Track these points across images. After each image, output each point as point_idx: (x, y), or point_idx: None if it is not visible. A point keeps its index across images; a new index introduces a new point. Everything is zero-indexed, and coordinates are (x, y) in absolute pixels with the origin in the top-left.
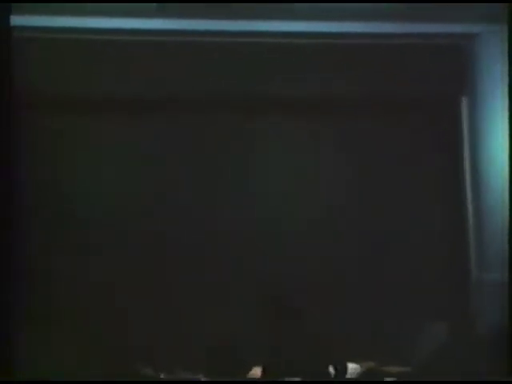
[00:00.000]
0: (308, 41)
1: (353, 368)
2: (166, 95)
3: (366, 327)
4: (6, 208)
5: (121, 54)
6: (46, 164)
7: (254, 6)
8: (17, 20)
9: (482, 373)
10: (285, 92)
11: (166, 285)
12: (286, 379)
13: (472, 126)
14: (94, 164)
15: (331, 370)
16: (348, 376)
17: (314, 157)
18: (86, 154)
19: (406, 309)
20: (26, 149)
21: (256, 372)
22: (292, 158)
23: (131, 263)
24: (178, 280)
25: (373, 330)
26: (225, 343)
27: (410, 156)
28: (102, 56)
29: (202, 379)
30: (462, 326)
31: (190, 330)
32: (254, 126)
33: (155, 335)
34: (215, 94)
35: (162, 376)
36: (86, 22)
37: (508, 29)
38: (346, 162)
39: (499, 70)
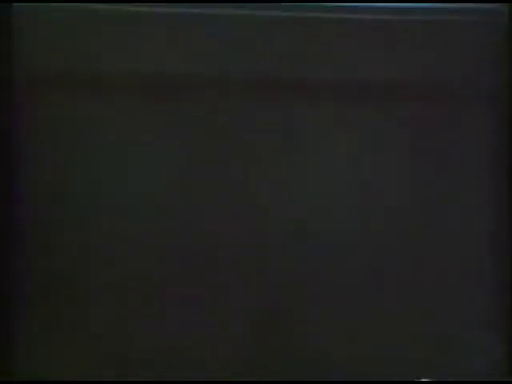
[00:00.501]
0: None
1: None
2: (187, 75)
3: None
4: (6, 208)
5: (133, 26)
6: (46, 160)
7: None
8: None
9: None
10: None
11: (167, 285)
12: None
13: None
14: (94, 162)
15: None
16: None
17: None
18: (88, 147)
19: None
20: (26, 140)
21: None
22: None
23: (132, 264)
24: (181, 280)
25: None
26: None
27: (446, 144)
28: (110, 28)
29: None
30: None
31: (189, 331)
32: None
33: (155, 336)
34: (243, 76)
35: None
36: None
37: (508, 29)
38: (377, 158)
39: None
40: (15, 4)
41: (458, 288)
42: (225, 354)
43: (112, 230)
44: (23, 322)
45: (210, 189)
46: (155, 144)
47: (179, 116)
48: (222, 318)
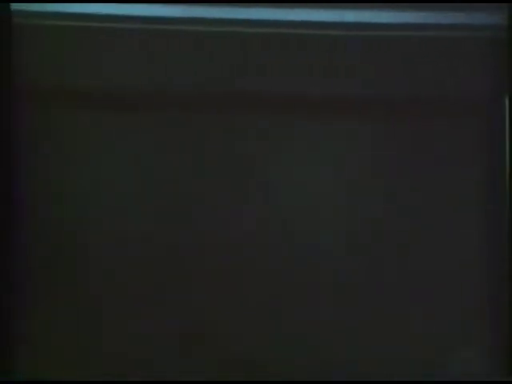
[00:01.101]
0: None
1: None
2: (175, 89)
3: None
4: (6, 208)
5: (129, 43)
6: (46, 162)
7: None
8: (17, 5)
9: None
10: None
11: (167, 284)
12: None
13: None
14: (94, 162)
15: None
16: None
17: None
18: (87, 150)
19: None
20: (27, 144)
21: None
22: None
23: (132, 264)
24: (179, 280)
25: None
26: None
27: (444, 160)
28: (109, 44)
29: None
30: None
31: (189, 331)
32: (272, 126)
33: (156, 335)
34: (229, 91)
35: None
36: (91, 8)
37: (508, 29)
38: (372, 167)
39: None
40: (14, 4)
41: (457, 288)
42: (226, 354)
43: (112, 230)
44: (23, 322)
45: (207, 192)
46: (154, 144)
47: (177, 123)
48: (221, 318)
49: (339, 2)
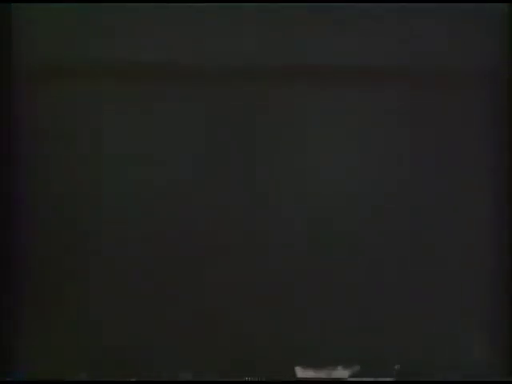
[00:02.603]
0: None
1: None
2: (178, 63)
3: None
4: (6, 208)
5: (133, 15)
6: (46, 161)
7: None
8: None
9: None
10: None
11: (167, 283)
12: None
13: None
14: (95, 160)
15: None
16: None
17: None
18: (88, 141)
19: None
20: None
21: None
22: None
23: (132, 263)
24: (181, 278)
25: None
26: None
27: (447, 136)
28: (107, 19)
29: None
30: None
31: (190, 330)
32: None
33: (154, 336)
34: (238, 63)
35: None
36: None
37: (508, 29)
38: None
39: None
40: (14, 4)
41: (458, 288)
42: (228, 353)
43: (112, 230)
44: (23, 322)
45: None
46: (157, 143)
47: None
48: (222, 318)
49: None
